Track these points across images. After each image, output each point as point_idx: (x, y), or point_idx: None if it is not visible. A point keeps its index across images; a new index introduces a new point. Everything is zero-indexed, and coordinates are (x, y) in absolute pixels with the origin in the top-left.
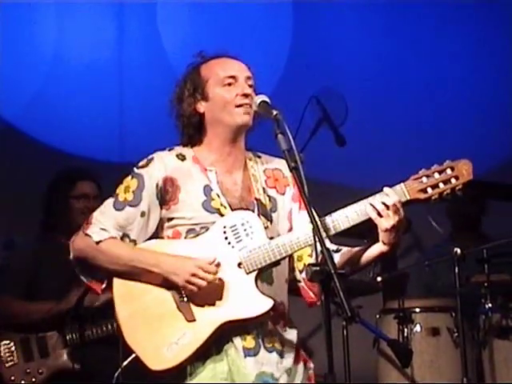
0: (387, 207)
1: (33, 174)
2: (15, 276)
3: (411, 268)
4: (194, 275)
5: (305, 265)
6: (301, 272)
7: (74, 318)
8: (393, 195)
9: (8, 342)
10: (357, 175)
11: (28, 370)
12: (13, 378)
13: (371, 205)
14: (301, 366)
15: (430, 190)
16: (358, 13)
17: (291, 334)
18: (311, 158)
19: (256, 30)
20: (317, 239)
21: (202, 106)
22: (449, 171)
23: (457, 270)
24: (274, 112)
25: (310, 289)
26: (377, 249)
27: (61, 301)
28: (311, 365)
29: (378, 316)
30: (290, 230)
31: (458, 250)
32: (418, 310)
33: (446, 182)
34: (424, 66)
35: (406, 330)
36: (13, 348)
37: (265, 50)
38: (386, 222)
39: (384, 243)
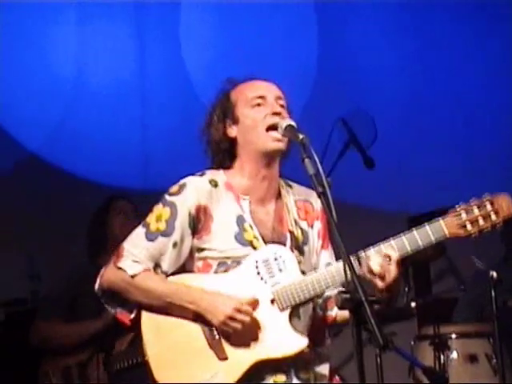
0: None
1: (57, 202)
2: (55, 303)
3: (449, 293)
4: (231, 318)
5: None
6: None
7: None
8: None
9: (48, 371)
10: (386, 198)
11: None
12: None
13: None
14: None
15: (469, 225)
16: (387, 33)
17: (322, 370)
18: (339, 181)
19: (281, 53)
20: (347, 266)
21: (233, 130)
22: (488, 206)
23: (493, 294)
24: (301, 136)
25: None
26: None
27: (96, 319)
28: None
29: (412, 343)
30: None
31: (495, 274)
32: (454, 335)
33: (485, 217)
34: (457, 82)
35: (442, 356)
36: (53, 378)
37: (291, 72)
38: (381, 283)
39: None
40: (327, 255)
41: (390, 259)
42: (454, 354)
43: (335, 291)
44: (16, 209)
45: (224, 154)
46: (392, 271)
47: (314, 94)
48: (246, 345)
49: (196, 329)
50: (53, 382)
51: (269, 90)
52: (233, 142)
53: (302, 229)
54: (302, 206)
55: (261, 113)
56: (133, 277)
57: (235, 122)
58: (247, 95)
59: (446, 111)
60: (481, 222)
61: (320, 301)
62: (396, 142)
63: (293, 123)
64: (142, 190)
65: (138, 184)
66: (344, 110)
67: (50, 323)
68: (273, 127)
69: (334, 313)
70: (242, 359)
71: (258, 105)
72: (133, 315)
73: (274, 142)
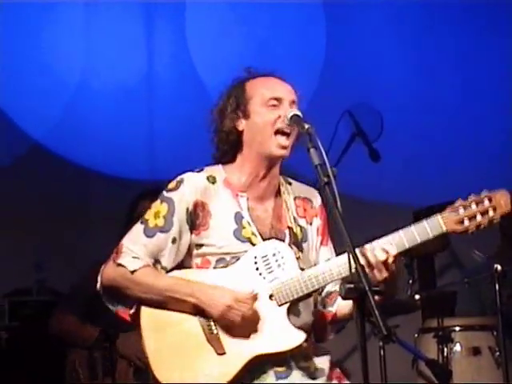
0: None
1: (61, 192)
2: (71, 299)
3: (453, 285)
4: (229, 308)
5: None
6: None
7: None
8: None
9: (73, 359)
10: (391, 191)
11: None
12: None
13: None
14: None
15: (466, 221)
16: (395, 27)
17: (322, 362)
18: (345, 173)
19: (289, 45)
20: (351, 256)
21: (241, 124)
22: (486, 202)
23: (498, 287)
24: (306, 126)
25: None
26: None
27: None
28: (346, 382)
29: (416, 335)
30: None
31: (499, 267)
32: (457, 328)
33: (483, 213)
34: (463, 79)
35: (445, 349)
36: (77, 366)
37: (298, 64)
38: (378, 276)
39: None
40: (327, 251)
41: (388, 254)
42: (458, 347)
43: (336, 287)
44: (21, 198)
45: (230, 145)
46: (389, 266)
47: (321, 87)
48: (244, 340)
49: (194, 324)
50: (79, 372)
51: (286, 93)
52: (239, 135)
53: (300, 226)
54: (301, 203)
55: (274, 115)
56: (133, 272)
57: (246, 116)
58: (263, 94)
59: (452, 106)
60: (478, 217)
61: (320, 297)
62: (402, 136)
63: (298, 113)
64: (148, 182)
65: (145, 175)
66: (350, 103)
67: (67, 317)
68: (282, 132)
69: (335, 309)
70: (239, 354)
71: (273, 106)
72: (132, 310)
73: (279, 148)
